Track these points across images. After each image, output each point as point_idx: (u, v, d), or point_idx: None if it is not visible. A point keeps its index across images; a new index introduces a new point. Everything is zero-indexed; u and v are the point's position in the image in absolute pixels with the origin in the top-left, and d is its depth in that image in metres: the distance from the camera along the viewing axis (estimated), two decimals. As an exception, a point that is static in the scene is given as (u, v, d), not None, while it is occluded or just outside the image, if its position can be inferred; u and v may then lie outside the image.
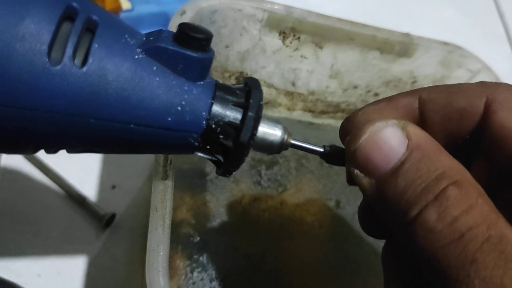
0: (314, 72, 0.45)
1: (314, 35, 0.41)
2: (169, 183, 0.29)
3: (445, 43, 0.43)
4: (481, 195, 0.21)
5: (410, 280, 0.25)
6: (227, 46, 0.41)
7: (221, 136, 0.24)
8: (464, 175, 0.21)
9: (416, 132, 0.22)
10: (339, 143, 0.27)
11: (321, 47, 0.42)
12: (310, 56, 0.43)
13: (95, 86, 0.21)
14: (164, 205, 0.28)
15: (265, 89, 0.46)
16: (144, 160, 0.44)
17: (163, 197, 0.28)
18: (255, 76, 0.44)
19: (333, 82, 0.46)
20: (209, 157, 0.25)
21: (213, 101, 0.23)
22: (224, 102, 0.24)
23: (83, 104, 0.21)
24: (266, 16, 0.39)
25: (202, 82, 0.23)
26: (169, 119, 0.22)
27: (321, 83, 0.46)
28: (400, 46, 0.42)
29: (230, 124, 0.23)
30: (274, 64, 0.44)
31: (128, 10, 0.48)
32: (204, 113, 0.23)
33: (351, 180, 0.25)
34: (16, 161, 0.42)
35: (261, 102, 0.24)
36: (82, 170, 0.43)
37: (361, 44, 0.42)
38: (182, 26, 0.23)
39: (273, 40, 0.41)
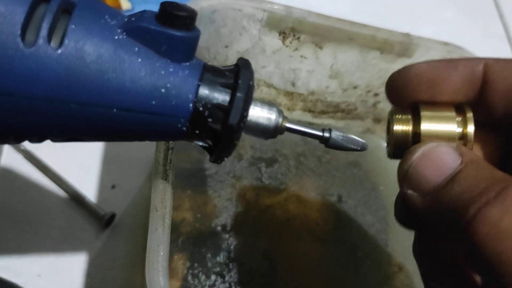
0: (314, 72, 0.45)
1: (314, 35, 0.41)
2: (169, 182, 0.29)
3: (445, 43, 0.43)
4: None
5: (444, 274, 0.24)
6: (226, 46, 0.41)
7: (209, 120, 0.22)
8: None
9: (469, 152, 0.22)
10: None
11: (321, 47, 0.42)
12: (310, 56, 0.43)
13: (72, 69, 0.20)
14: (164, 205, 0.28)
15: (265, 89, 0.46)
16: (144, 160, 0.44)
17: (163, 197, 0.28)
18: (255, 76, 0.44)
19: (333, 82, 0.46)
20: (200, 143, 0.24)
21: (200, 83, 0.22)
22: (212, 84, 0.22)
23: (61, 88, 0.20)
24: (266, 16, 0.39)
25: (188, 63, 0.22)
26: (154, 102, 0.22)
27: (321, 83, 0.46)
28: (400, 46, 0.42)
29: (218, 106, 0.22)
30: (274, 64, 0.44)
31: (128, 10, 0.49)
32: (190, 96, 0.22)
33: (393, 154, 0.25)
34: (16, 161, 0.41)
35: (251, 83, 0.23)
36: (82, 170, 0.43)
37: (361, 44, 0.42)
38: (164, 5, 0.22)
39: (273, 40, 0.41)
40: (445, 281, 0.25)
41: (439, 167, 0.21)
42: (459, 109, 0.25)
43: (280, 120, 0.24)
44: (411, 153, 0.23)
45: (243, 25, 0.39)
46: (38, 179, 0.42)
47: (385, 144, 0.27)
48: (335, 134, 0.25)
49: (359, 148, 0.26)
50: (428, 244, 0.26)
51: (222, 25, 0.39)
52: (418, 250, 0.26)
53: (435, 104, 0.25)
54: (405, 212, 0.26)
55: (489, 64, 0.24)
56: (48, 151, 0.42)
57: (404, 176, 0.23)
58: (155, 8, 0.55)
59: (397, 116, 0.25)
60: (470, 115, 0.24)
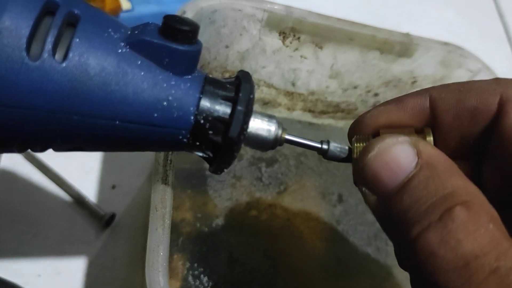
0: (314, 72, 0.45)
1: (314, 35, 0.41)
2: (169, 182, 0.29)
3: (445, 43, 0.43)
4: (493, 219, 0.19)
5: None
6: (227, 46, 0.41)
7: (210, 132, 0.23)
8: (476, 196, 0.20)
9: (428, 149, 0.21)
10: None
11: (321, 47, 0.42)
12: (310, 56, 0.43)
13: (76, 82, 0.20)
14: (164, 205, 0.28)
15: (265, 89, 0.46)
16: (144, 160, 0.44)
17: (163, 197, 0.28)
18: (255, 76, 0.44)
19: (333, 82, 0.46)
20: (200, 154, 0.24)
21: (201, 96, 0.23)
22: (213, 97, 0.23)
23: (65, 100, 0.20)
24: (266, 16, 0.39)
25: (190, 76, 0.23)
26: (155, 115, 0.22)
27: (321, 83, 0.46)
28: (400, 46, 0.42)
29: (219, 119, 0.23)
30: (274, 64, 0.44)
31: (128, 10, 0.48)
32: (192, 108, 0.22)
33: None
34: (16, 161, 0.41)
35: (251, 96, 0.23)
36: (82, 170, 0.43)
37: (361, 44, 0.42)
38: (167, 19, 0.22)
39: (273, 40, 0.41)
40: None
41: (394, 170, 0.21)
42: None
43: (280, 132, 0.25)
44: (368, 150, 0.22)
45: (243, 25, 0.39)
46: (38, 179, 0.42)
47: None
48: (333, 146, 0.26)
49: None
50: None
51: (222, 25, 0.39)
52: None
53: (397, 129, 0.25)
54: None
55: (433, 97, 0.24)
56: (48, 151, 0.42)
57: (359, 173, 0.22)
58: (155, 8, 0.55)
59: (357, 144, 0.25)
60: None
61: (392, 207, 0.20)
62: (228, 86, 0.24)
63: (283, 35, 0.41)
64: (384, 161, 0.21)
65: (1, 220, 0.39)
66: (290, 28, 0.40)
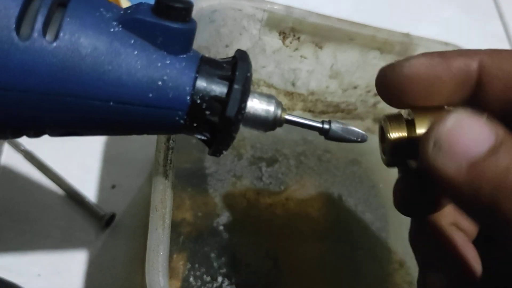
0: (314, 72, 0.45)
1: (314, 35, 0.41)
2: (169, 182, 0.29)
3: (445, 43, 0.43)
4: None
5: (441, 257, 0.24)
6: (226, 46, 0.41)
7: (207, 112, 0.22)
8: None
9: (500, 125, 0.20)
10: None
11: (321, 47, 0.42)
12: (310, 56, 0.43)
13: (68, 62, 0.20)
14: (164, 205, 0.28)
15: (265, 89, 0.46)
16: (144, 160, 0.44)
17: (163, 197, 0.28)
18: (255, 76, 0.44)
19: (333, 82, 0.46)
20: (198, 136, 0.24)
21: (197, 75, 0.22)
22: (209, 76, 0.22)
23: (56, 81, 0.20)
24: (266, 16, 0.39)
25: (185, 56, 0.22)
26: (150, 95, 0.21)
27: (321, 83, 0.46)
28: (400, 46, 0.42)
29: (216, 98, 0.22)
30: (274, 64, 0.44)
31: (128, 10, 0.49)
32: (188, 88, 0.22)
33: (392, 162, 0.24)
34: (16, 161, 0.41)
35: (248, 74, 0.23)
36: (81, 170, 0.43)
37: (361, 44, 0.42)
38: None
39: (273, 40, 0.41)
40: (442, 265, 0.24)
41: (477, 137, 0.19)
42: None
43: (279, 112, 0.24)
44: (441, 123, 0.20)
45: (243, 25, 0.39)
46: (38, 179, 0.42)
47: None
48: (335, 126, 0.25)
49: (359, 140, 0.25)
50: (425, 229, 0.25)
51: (222, 25, 0.39)
52: (415, 237, 0.26)
53: (427, 107, 0.24)
54: (406, 199, 0.25)
55: (483, 63, 0.22)
56: (48, 151, 0.42)
57: (432, 147, 0.20)
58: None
59: (390, 123, 0.24)
60: None
61: (484, 172, 0.19)
62: (224, 65, 0.23)
63: (283, 35, 0.41)
64: (464, 129, 0.20)
65: (1, 219, 0.39)
66: (290, 28, 0.40)
